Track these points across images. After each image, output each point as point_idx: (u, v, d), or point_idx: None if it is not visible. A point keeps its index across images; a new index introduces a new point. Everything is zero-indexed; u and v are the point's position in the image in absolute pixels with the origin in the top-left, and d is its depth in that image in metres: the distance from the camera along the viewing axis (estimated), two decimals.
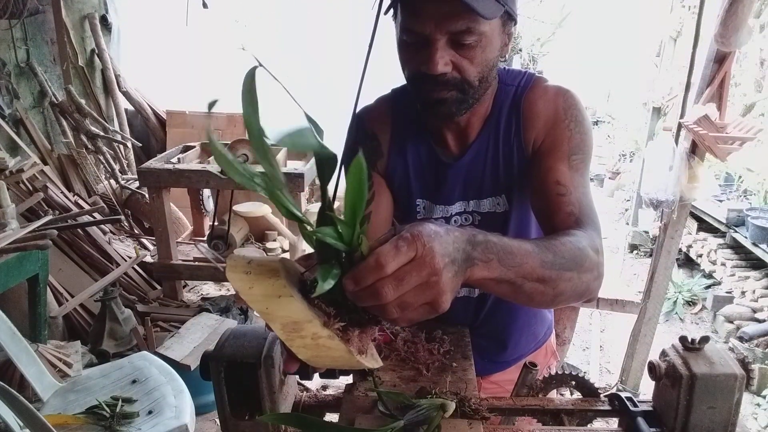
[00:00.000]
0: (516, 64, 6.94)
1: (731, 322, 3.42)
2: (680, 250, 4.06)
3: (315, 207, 3.32)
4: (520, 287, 0.68)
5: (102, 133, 3.74)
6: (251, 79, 0.52)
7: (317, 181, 4.25)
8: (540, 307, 1.21)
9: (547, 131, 0.98)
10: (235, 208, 3.09)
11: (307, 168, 2.95)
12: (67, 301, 2.77)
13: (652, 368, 0.80)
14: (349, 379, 0.95)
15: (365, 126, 1.11)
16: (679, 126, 2.34)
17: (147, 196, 3.22)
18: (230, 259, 0.56)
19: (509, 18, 0.92)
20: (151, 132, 4.48)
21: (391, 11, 0.92)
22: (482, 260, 0.62)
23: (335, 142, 0.62)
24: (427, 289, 0.55)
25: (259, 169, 0.57)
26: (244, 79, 0.52)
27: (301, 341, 0.55)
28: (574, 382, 0.91)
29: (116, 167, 3.86)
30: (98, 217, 3.09)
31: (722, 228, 3.90)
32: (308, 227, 0.57)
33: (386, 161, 1.09)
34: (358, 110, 1.16)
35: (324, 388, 2.61)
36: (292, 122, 0.55)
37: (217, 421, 1.32)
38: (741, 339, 3.15)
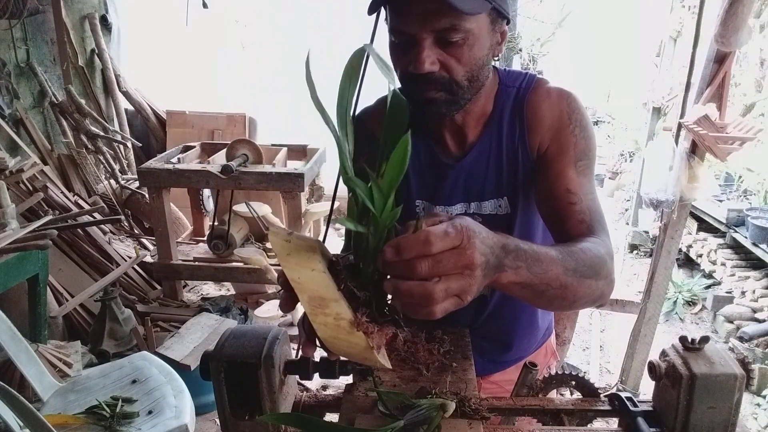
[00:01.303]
0: (516, 64, 6.93)
1: (731, 322, 3.42)
2: (680, 250, 4.06)
3: (315, 207, 3.32)
4: (542, 293, 0.71)
5: (102, 133, 3.73)
6: (361, 56, 0.57)
7: (317, 181, 4.23)
8: (557, 311, 1.23)
9: (553, 136, 0.98)
10: (235, 208, 3.09)
11: (307, 168, 2.95)
12: (67, 301, 2.77)
13: (652, 368, 0.80)
14: (349, 379, 0.95)
15: (364, 127, 1.10)
16: (679, 126, 2.34)
17: (147, 196, 3.22)
18: (273, 227, 0.59)
19: (499, 15, 0.91)
20: (151, 132, 4.48)
21: (384, 15, 0.92)
22: (512, 267, 0.65)
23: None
24: (460, 280, 0.57)
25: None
26: (353, 55, 0.58)
27: (323, 318, 0.57)
28: (574, 382, 0.91)
29: (116, 167, 3.86)
30: (98, 217, 3.09)
31: (722, 228, 3.89)
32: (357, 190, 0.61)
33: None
34: (357, 111, 1.16)
35: (324, 388, 2.61)
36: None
37: (217, 421, 1.33)
38: (741, 339, 3.15)
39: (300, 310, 0.62)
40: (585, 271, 0.75)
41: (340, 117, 0.60)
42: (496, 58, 0.96)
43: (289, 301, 0.63)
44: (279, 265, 0.58)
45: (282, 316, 3.06)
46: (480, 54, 0.90)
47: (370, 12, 0.91)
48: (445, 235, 0.56)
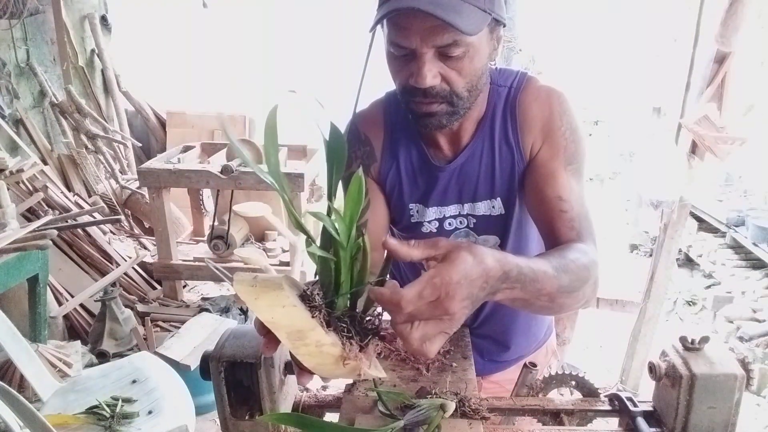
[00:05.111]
0: (516, 64, 6.93)
1: (731, 322, 3.42)
2: (680, 250, 4.06)
3: (314, 207, 3.32)
4: (532, 304, 0.74)
5: (102, 133, 3.73)
6: (274, 116, 0.61)
7: (317, 181, 4.21)
8: (539, 314, 1.24)
9: (544, 138, 0.98)
10: (235, 208, 3.09)
11: (307, 168, 2.94)
12: (67, 301, 2.77)
13: (652, 368, 0.80)
14: (349, 380, 0.95)
15: (359, 131, 1.10)
16: (679, 126, 2.34)
17: (147, 196, 3.21)
18: (237, 275, 0.61)
19: (497, 23, 0.91)
20: (151, 132, 4.48)
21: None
22: (508, 289, 0.68)
23: None
24: (438, 324, 0.60)
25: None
26: (268, 115, 0.61)
27: (305, 349, 0.58)
28: (574, 382, 0.91)
29: (116, 167, 3.86)
30: (98, 217, 3.09)
31: (722, 228, 3.89)
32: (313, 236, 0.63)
33: (379, 165, 1.09)
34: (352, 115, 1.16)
35: (324, 388, 2.61)
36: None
37: (217, 421, 1.32)
38: (741, 339, 3.15)
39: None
40: (575, 284, 0.78)
41: (272, 175, 0.63)
42: (492, 63, 0.96)
43: (269, 344, 0.65)
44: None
45: None
46: (480, 64, 0.90)
47: (371, 30, 0.90)
48: (418, 298, 0.57)
